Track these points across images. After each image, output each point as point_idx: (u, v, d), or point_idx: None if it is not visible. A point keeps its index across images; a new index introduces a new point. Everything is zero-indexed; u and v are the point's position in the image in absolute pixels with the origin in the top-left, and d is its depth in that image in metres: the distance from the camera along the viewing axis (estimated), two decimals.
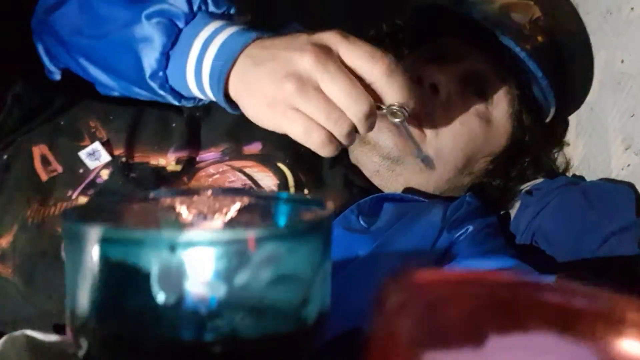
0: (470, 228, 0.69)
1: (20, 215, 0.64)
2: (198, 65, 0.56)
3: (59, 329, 0.53)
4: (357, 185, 0.75)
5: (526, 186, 0.83)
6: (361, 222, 0.68)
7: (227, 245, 0.20)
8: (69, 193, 0.66)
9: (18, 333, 0.40)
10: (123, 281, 0.21)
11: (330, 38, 0.53)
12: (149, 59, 0.57)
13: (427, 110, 0.72)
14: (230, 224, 0.27)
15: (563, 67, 0.81)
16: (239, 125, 0.74)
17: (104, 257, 0.20)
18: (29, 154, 0.69)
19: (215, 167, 0.70)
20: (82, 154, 0.68)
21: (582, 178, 0.81)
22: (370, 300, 0.61)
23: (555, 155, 0.86)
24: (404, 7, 1.45)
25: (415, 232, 0.67)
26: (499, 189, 0.83)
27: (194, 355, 0.21)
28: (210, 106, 0.76)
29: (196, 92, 0.58)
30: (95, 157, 0.68)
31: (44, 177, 0.68)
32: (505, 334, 0.17)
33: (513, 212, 0.85)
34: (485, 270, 0.18)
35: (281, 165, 0.71)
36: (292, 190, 0.69)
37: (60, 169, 0.68)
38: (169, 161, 0.70)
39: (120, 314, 0.21)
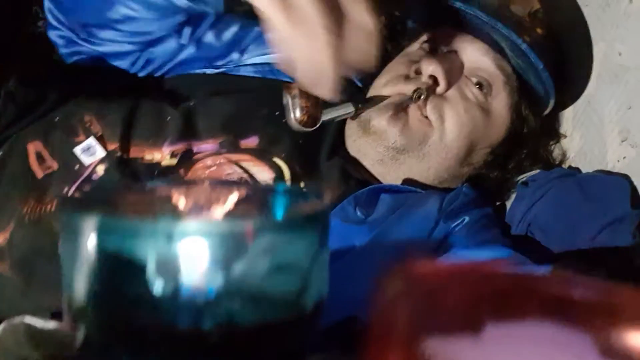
0: (467, 219, 0.69)
1: (17, 213, 0.64)
2: None
3: (56, 316, 0.53)
4: (355, 178, 0.75)
5: (522, 177, 0.84)
6: (358, 213, 0.68)
7: (224, 236, 0.20)
8: (65, 189, 0.66)
9: (17, 320, 0.40)
10: (120, 270, 0.20)
11: None
12: None
13: (429, 100, 0.73)
14: (228, 214, 0.27)
15: (562, 60, 0.81)
16: (236, 117, 0.75)
17: (100, 247, 0.20)
18: (23, 151, 0.69)
19: (213, 159, 0.70)
20: (77, 150, 0.69)
21: (578, 170, 0.81)
22: (367, 290, 0.61)
23: (552, 147, 0.86)
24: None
25: (411, 222, 0.67)
26: (496, 180, 0.83)
27: (192, 342, 0.20)
28: (206, 97, 0.77)
29: None
30: (90, 152, 0.69)
31: (39, 174, 0.68)
32: (503, 323, 0.17)
33: (509, 204, 0.85)
34: (482, 261, 0.18)
35: (277, 160, 0.71)
36: (288, 183, 0.69)
37: (55, 165, 0.69)
38: (164, 155, 0.71)
39: (117, 302, 0.21)
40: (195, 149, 0.72)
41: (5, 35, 1.15)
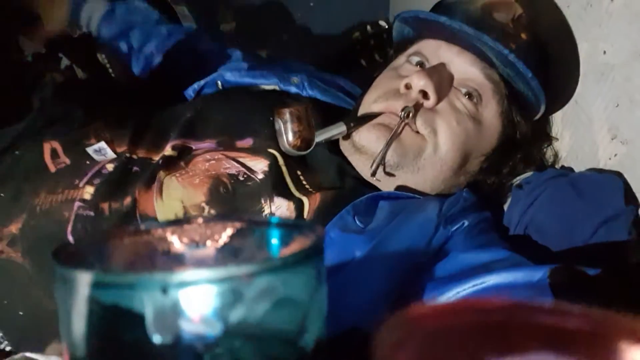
0: (466, 222, 0.69)
1: (29, 204, 0.67)
2: None
3: None
4: (352, 176, 0.75)
5: (516, 180, 0.84)
6: (357, 222, 0.68)
7: (220, 283, 0.20)
8: (76, 182, 0.69)
9: (19, 356, 0.40)
10: (117, 322, 0.20)
11: None
12: None
13: (419, 115, 0.73)
14: (223, 250, 0.26)
15: (549, 62, 0.81)
16: (232, 123, 0.77)
17: (96, 301, 0.20)
18: (39, 149, 0.73)
19: (211, 154, 0.73)
20: (90, 150, 0.73)
21: (570, 169, 0.81)
22: (370, 300, 0.61)
23: (544, 149, 0.86)
24: (388, 9, 1.45)
25: (411, 229, 0.67)
26: (493, 185, 0.83)
27: None
28: (204, 108, 0.80)
29: None
30: (102, 153, 0.73)
31: (52, 168, 0.72)
32: (503, 357, 0.17)
33: (506, 207, 0.85)
34: (477, 298, 0.17)
35: (271, 150, 0.72)
36: (283, 169, 0.71)
37: (68, 161, 0.72)
38: (166, 149, 0.74)
39: (116, 351, 0.21)
40: (194, 147, 0.74)
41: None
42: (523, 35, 0.79)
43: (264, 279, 0.20)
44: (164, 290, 0.19)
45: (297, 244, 0.25)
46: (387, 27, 1.17)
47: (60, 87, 0.86)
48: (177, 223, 0.27)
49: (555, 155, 0.85)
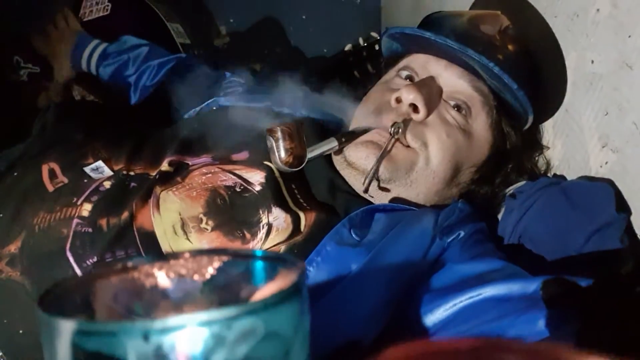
0: (462, 233, 0.70)
1: (28, 223, 0.68)
2: None
3: None
4: (344, 190, 0.75)
5: (510, 190, 0.84)
6: (353, 235, 0.68)
7: (201, 327, 0.20)
8: (74, 200, 0.70)
9: None
10: None
11: None
12: None
13: (409, 129, 0.74)
14: (209, 283, 0.27)
15: (537, 73, 0.82)
16: (227, 138, 0.78)
17: (79, 347, 0.20)
18: (37, 170, 0.75)
19: (208, 168, 0.74)
20: (87, 169, 0.74)
21: (563, 177, 0.82)
22: (367, 312, 0.61)
23: (536, 158, 0.87)
24: (379, 21, 1.46)
25: (407, 241, 0.67)
26: (486, 195, 0.84)
27: None
28: (200, 125, 0.82)
29: None
30: (99, 172, 0.74)
31: (50, 188, 0.73)
32: None
33: (500, 216, 0.85)
34: (450, 339, 0.18)
35: (267, 163, 0.74)
36: (280, 181, 0.71)
37: (66, 180, 0.74)
38: (162, 165, 0.75)
39: None
40: (190, 162, 0.76)
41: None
42: (510, 47, 0.79)
43: (244, 321, 0.21)
44: (146, 337, 0.20)
45: (281, 277, 0.26)
46: (379, 38, 1.18)
47: (59, 112, 0.86)
48: (163, 258, 0.28)
49: (548, 164, 0.85)
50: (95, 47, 1.16)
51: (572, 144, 0.80)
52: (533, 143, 0.86)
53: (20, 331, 0.63)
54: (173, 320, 0.20)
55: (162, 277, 0.27)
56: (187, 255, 0.28)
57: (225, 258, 0.27)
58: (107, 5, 1.23)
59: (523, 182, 0.83)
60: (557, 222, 0.73)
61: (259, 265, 0.27)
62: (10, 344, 0.63)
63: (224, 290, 0.27)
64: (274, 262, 0.27)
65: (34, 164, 0.75)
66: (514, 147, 0.83)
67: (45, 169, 0.75)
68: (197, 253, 0.28)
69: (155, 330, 0.20)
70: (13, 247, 0.67)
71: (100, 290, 0.26)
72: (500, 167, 0.83)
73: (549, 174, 0.85)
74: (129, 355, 0.20)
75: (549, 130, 0.86)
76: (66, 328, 0.20)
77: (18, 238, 0.67)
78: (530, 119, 0.81)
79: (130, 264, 0.27)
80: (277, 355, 0.22)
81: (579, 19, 0.77)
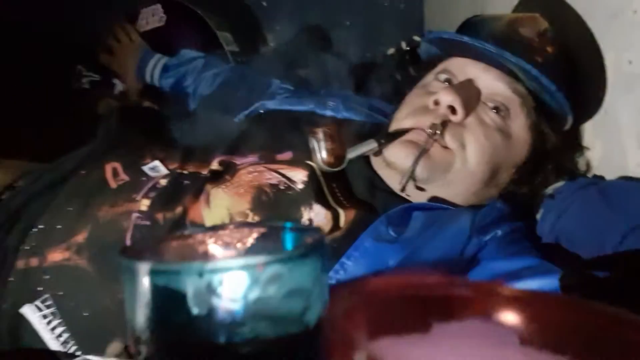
0: (499, 232, 0.73)
1: (93, 217, 0.78)
2: None
3: None
4: (382, 189, 0.81)
5: (549, 190, 0.87)
6: (391, 232, 0.73)
7: (240, 270, 0.27)
8: (134, 196, 0.79)
9: (80, 359, 0.48)
10: (168, 301, 0.28)
11: None
12: None
13: (447, 130, 0.78)
14: (249, 250, 0.34)
15: (576, 74, 0.85)
16: (273, 140, 0.87)
17: (152, 284, 0.28)
18: (101, 169, 0.85)
19: (254, 167, 0.81)
20: (145, 168, 0.84)
21: (602, 178, 0.84)
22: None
23: (576, 158, 0.89)
24: (422, 25, 1.51)
25: (444, 239, 0.71)
26: (525, 195, 0.87)
27: (226, 354, 0.28)
28: (248, 127, 0.92)
29: None
30: (156, 170, 0.84)
31: (113, 185, 0.83)
32: (444, 323, 0.23)
33: (538, 216, 0.88)
34: (423, 273, 0.23)
35: (310, 162, 0.80)
36: (321, 180, 0.79)
37: (127, 178, 0.83)
38: (213, 164, 0.84)
39: (167, 326, 0.29)
40: (238, 162, 0.84)
41: (52, 92, 1.33)
42: (549, 49, 0.83)
43: (273, 267, 0.28)
44: (200, 274, 0.27)
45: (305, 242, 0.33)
46: (420, 42, 1.23)
47: (121, 117, 0.98)
48: (213, 229, 0.35)
49: (588, 164, 0.88)
50: (157, 61, 1.31)
51: (611, 145, 0.83)
52: (572, 144, 0.89)
53: (85, 314, 0.73)
54: (221, 262, 0.27)
55: (212, 245, 0.34)
56: (231, 226, 0.35)
57: (262, 229, 0.35)
58: (163, 17, 1.35)
59: (562, 183, 0.86)
60: (594, 222, 0.76)
61: (289, 235, 0.34)
62: (76, 325, 0.72)
63: None
64: (301, 232, 0.34)
65: (98, 164, 0.86)
66: (554, 148, 0.85)
67: (108, 168, 0.85)
68: (240, 225, 0.35)
69: (207, 269, 0.27)
70: (80, 238, 0.76)
71: (164, 252, 0.34)
72: (540, 168, 0.86)
73: (588, 174, 0.87)
74: (188, 289, 0.27)
75: (589, 131, 0.89)
76: (143, 268, 0.28)
77: (84, 229, 0.77)
78: (570, 120, 0.84)
79: (186, 232, 0.35)
80: (299, 302, 0.29)
81: (617, 20, 0.80)
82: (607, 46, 0.83)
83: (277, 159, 0.84)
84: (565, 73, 0.83)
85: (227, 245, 0.34)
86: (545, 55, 0.82)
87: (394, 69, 1.21)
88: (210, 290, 0.27)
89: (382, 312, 0.23)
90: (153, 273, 0.28)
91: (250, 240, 0.34)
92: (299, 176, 0.80)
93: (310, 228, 0.33)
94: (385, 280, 0.23)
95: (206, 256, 0.34)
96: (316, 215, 0.75)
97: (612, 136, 0.83)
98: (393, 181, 0.81)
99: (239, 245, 0.34)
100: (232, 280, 0.27)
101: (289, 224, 0.34)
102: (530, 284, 0.63)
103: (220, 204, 0.77)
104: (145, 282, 0.28)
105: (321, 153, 0.76)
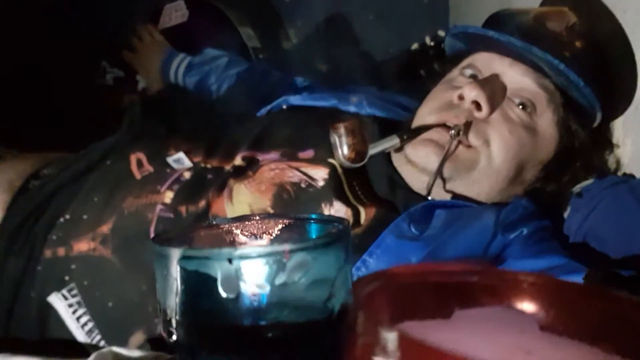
0: (525, 230, 0.73)
1: (118, 207, 0.81)
2: None
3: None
4: (402, 187, 0.82)
5: (577, 188, 0.87)
6: (413, 229, 0.74)
7: (268, 257, 0.29)
8: (158, 188, 0.82)
9: (106, 350, 0.51)
10: (198, 285, 0.30)
11: None
12: None
13: (472, 128, 0.78)
14: (274, 240, 0.36)
15: (606, 70, 0.84)
16: (295, 137, 0.88)
17: (183, 269, 0.30)
18: (126, 159, 0.88)
19: (276, 165, 0.83)
20: (170, 160, 0.86)
21: (632, 176, 0.84)
22: None
23: (606, 156, 0.89)
24: (447, 20, 1.51)
25: (468, 236, 0.72)
26: (552, 193, 0.87)
27: (253, 337, 0.30)
28: (270, 124, 0.93)
29: None
30: (180, 163, 0.86)
31: (138, 176, 0.85)
32: (466, 309, 0.24)
33: (566, 215, 0.88)
34: (448, 261, 0.24)
35: (331, 160, 0.81)
36: (342, 177, 0.80)
37: (151, 169, 0.86)
38: (236, 160, 0.86)
39: (197, 309, 0.31)
40: (260, 158, 0.86)
41: (76, 88, 1.37)
42: (577, 44, 0.83)
43: (299, 255, 0.29)
44: (230, 260, 0.29)
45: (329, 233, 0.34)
46: (445, 38, 1.23)
47: (145, 107, 1.02)
48: (240, 220, 0.37)
49: (618, 162, 0.87)
50: (182, 60, 1.34)
51: None
52: (602, 141, 0.88)
53: (110, 304, 0.75)
54: (249, 249, 0.29)
55: (239, 234, 0.36)
56: (258, 217, 0.37)
57: (287, 221, 0.36)
58: (185, 12, 1.38)
59: (590, 181, 0.85)
60: (624, 220, 0.76)
61: (314, 226, 0.36)
62: (101, 315, 0.75)
63: None
64: (325, 223, 0.35)
65: (123, 155, 0.89)
66: (582, 145, 0.85)
67: (133, 159, 0.88)
68: (265, 217, 0.37)
69: (236, 255, 0.29)
70: (105, 228, 0.79)
71: (193, 239, 0.36)
72: (568, 165, 0.86)
73: (619, 172, 0.87)
74: (218, 273, 0.29)
75: (619, 128, 0.88)
76: (175, 254, 0.30)
77: (110, 220, 0.80)
78: (599, 116, 0.84)
79: (215, 221, 0.37)
80: (323, 290, 0.31)
81: None
82: (638, 42, 0.82)
83: (299, 156, 0.85)
84: (594, 68, 0.83)
85: (253, 235, 0.36)
86: (574, 49, 0.82)
87: (418, 64, 1.22)
88: (239, 275, 0.29)
89: (405, 296, 0.24)
90: (184, 258, 0.30)
91: (276, 231, 0.36)
92: (320, 174, 0.81)
93: (335, 219, 0.34)
94: (407, 267, 0.25)
95: (233, 245, 0.36)
96: (336, 212, 0.76)
97: None
98: (413, 179, 0.81)
99: (265, 235, 0.36)
100: (259, 267, 0.29)
101: (314, 215, 0.35)
102: None
103: (243, 200, 0.79)
104: (176, 267, 0.30)
105: (342, 149, 0.77)
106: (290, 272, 0.29)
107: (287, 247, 0.29)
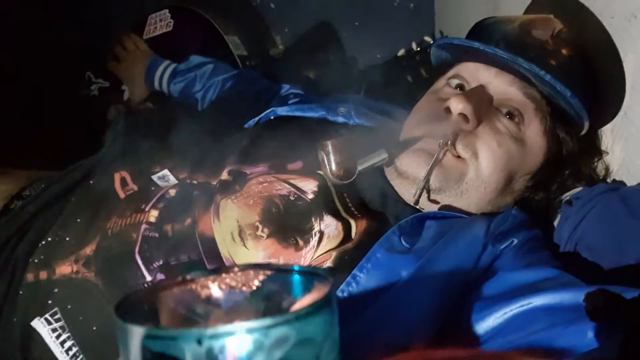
0: (515, 241, 0.70)
1: (102, 228, 0.76)
2: None
3: None
4: (394, 199, 0.78)
5: (566, 196, 0.84)
6: (403, 242, 0.70)
7: (244, 334, 0.25)
8: (143, 206, 0.77)
9: None
10: None
11: None
12: None
13: (459, 140, 0.75)
14: (254, 294, 0.31)
15: (593, 76, 0.81)
16: (283, 149, 0.83)
17: (147, 348, 0.25)
18: (110, 178, 0.83)
19: (264, 178, 0.79)
20: (155, 177, 0.82)
21: (622, 183, 0.80)
22: (417, 319, 0.63)
23: (595, 164, 0.85)
24: (433, 26, 1.47)
25: (458, 248, 0.68)
26: (542, 202, 0.83)
27: None
28: (258, 136, 0.88)
29: None
30: (165, 180, 0.81)
31: (121, 195, 0.81)
32: None
33: (556, 223, 0.85)
34: (445, 350, 0.20)
35: (320, 172, 0.77)
36: (331, 190, 0.76)
37: (135, 187, 0.81)
38: (223, 174, 0.81)
39: None
40: (248, 171, 0.81)
41: (61, 99, 1.32)
42: (563, 52, 0.79)
43: (279, 329, 0.25)
44: (199, 341, 0.25)
45: (316, 290, 0.30)
46: (432, 42, 1.19)
47: (129, 121, 0.96)
48: (217, 272, 0.33)
49: (607, 169, 0.84)
50: (166, 68, 1.28)
51: (632, 148, 0.79)
52: (591, 148, 0.85)
53: (94, 327, 0.71)
54: (221, 328, 0.25)
55: (215, 289, 0.32)
56: (236, 269, 0.32)
57: (268, 272, 0.32)
58: (170, 22, 1.33)
59: (580, 188, 0.82)
60: (615, 229, 0.73)
61: (297, 278, 0.31)
62: (85, 339, 0.70)
63: (268, 300, 0.31)
64: (310, 276, 0.31)
65: (107, 173, 0.84)
66: (570, 153, 0.82)
67: (117, 177, 0.83)
68: (245, 267, 0.32)
69: (207, 335, 0.25)
70: (89, 250, 0.75)
71: (164, 299, 0.32)
72: (556, 174, 0.83)
73: (608, 180, 0.83)
74: (186, 356, 0.25)
75: (608, 134, 0.85)
76: (137, 332, 0.25)
77: (93, 241, 0.75)
78: (586, 125, 0.80)
79: (189, 276, 0.32)
80: (310, 357, 0.27)
81: (636, 20, 0.76)
82: (627, 47, 0.78)
83: (287, 168, 0.81)
84: (581, 76, 0.79)
85: (231, 288, 0.32)
86: (560, 58, 0.78)
87: (404, 70, 1.18)
88: (211, 357, 0.24)
89: None
90: (148, 338, 0.25)
91: (256, 283, 0.31)
92: (309, 186, 0.77)
93: (319, 271, 0.30)
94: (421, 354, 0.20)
95: (209, 303, 0.31)
96: (327, 226, 0.73)
97: (632, 140, 0.78)
98: (405, 191, 0.78)
99: (244, 288, 0.31)
100: (235, 346, 0.25)
101: (296, 267, 0.31)
102: (550, 297, 0.60)
103: (230, 216, 0.75)
104: (139, 346, 0.26)
105: (330, 166, 0.73)
106: (270, 350, 0.25)
107: (265, 322, 0.25)
